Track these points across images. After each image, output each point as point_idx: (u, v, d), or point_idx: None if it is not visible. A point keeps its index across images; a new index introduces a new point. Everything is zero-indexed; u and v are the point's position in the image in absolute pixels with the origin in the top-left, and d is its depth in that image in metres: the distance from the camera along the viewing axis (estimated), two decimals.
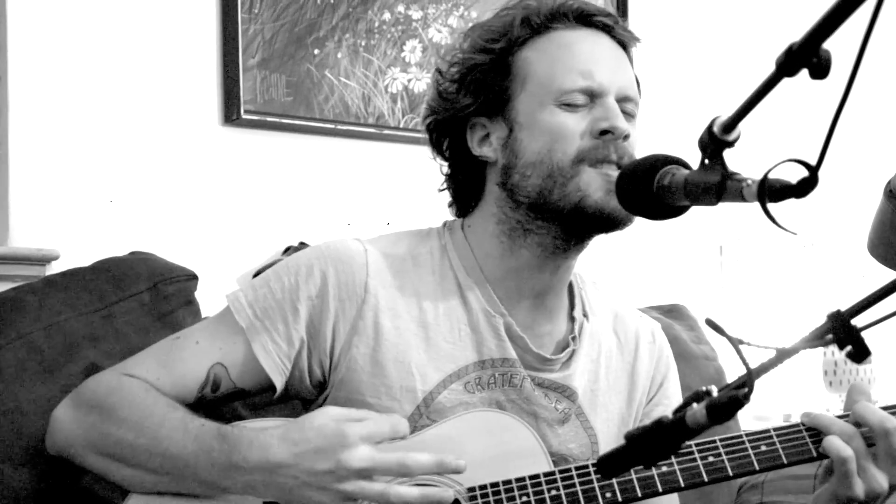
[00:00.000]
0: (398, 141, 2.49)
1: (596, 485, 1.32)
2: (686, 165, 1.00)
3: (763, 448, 1.36)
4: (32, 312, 1.63)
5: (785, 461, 1.36)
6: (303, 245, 2.14)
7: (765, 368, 0.77)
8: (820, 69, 0.70)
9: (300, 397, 1.46)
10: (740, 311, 2.95)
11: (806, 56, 0.70)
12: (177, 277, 1.79)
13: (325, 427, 1.24)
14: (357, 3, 2.44)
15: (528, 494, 1.32)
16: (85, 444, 1.34)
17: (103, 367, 1.50)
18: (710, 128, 0.83)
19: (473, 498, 1.32)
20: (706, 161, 0.86)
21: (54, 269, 1.96)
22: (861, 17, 0.67)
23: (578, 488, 1.32)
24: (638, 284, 2.72)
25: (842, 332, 0.75)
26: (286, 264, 1.42)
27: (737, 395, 0.75)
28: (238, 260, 2.17)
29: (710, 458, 1.34)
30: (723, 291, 3.02)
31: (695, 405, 0.78)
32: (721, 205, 0.86)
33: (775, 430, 1.38)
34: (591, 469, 1.33)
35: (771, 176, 0.78)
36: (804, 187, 0.75)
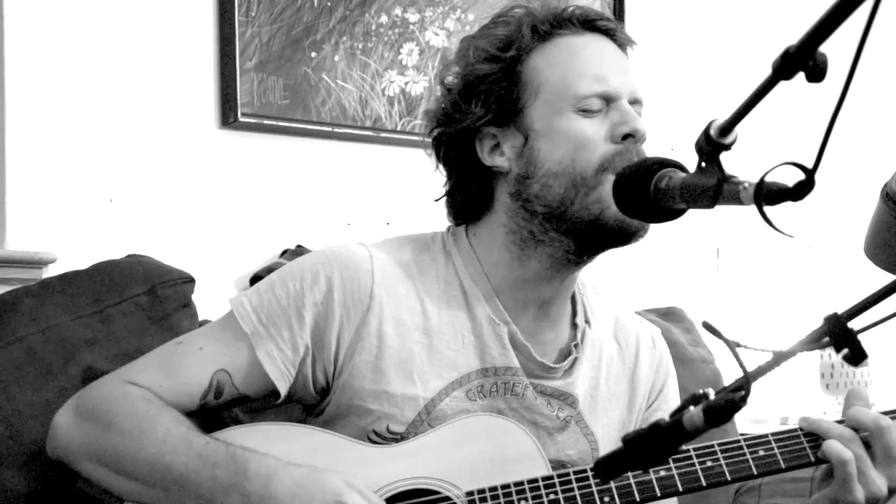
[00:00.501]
0: (395, 144, 2.49)
1: (594, 489, 1.32)
2: (683, 168, 1.01)
3: (761, 453, 1.36)
4: (29, 315, 1.63)
5: (783, 466, 1.36)
6: (300, 248, 2.14)
7: (762, 371, 0.77)
8: (816, 73, 0.70)
9: (302, 403, 1.45)
10: (737, 314, 2.95)
11: (802, 59, 0.70)
12: (174, 280, 1.79)
13: (329, 483, 1.25)
14: (354, 6, 2.44)
15: (526, 499, 1.32)
16: (85, 452, 1.34)
17: (100, 370, 1.50)
18: (706, 131, 0.83)
19: (472, 502, 1.32)
20: (703, 164, 0.86)
21: (51, 272, 1.96)
22: (857, 20, 0.67)
23: (577, 493, 1.32)
24: (635, 287, 2.72)
25: (839, 335, 0.75)
26: (291, 269, 1.41)
27: (734, 398, 0.75)
28: (235, 263, 2.17)
29: (709, 463, 1.34)
30: (719, 294, 3.02)
31: (692, 408, 0.78)
32: (718, 208, 0.86)
33: (773, 434, 1.38)
34: (590, 473, 1.33)
35: (768, 179, 0.78)
36: (801, 190, 0.76)
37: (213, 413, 1.41)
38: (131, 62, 2.17)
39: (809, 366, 2.91)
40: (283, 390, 1.37)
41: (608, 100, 1.36)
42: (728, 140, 0.82)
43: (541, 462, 1.36)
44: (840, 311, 0.76)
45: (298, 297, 1.37)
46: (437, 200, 1.49)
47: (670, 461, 1.34)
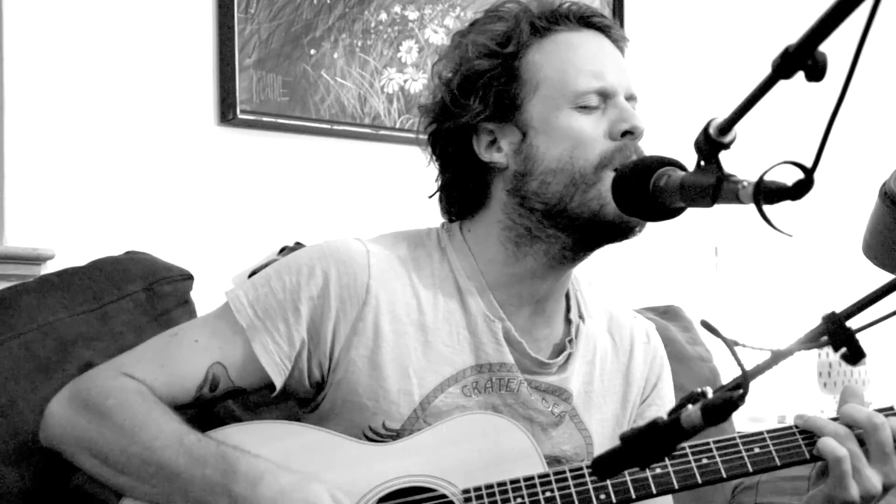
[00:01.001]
0: (394, 141, 2.49)
1: (590, 486, 1.32)
2: (682, 167, 1.01)
3: (756, 450, 1.36)
4: (27, 312, 1.63)
5: (778, 463, 1.36)
6: (298, 245, 2.14)
7: (760, 370, 0.77)
8: (816, 72, 0.70)
9: (297, 397, 1.45)
10: (735, 312, 2.95)
11: (802, 58, 0.70)
12: (172, 277, 1.79)
13: (312, 493, 1.24)
14: (353, 3, 2.44)
15: (522, 496, 1.32)
16: (77, 443, 1.34)
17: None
18: (705, 130, 0.83)
19: (468, 500, 1.32)
20: (702, 163, 0.86)
21: (49, 268, 1.96)
22: (857, 19, 0.67)
23: (573, 490, 1.32)
24: (633, 285, 2.72)
25: (836, 333, 0.75)
26: (287, 263, 1.41)
27: (731, 397, 0.76)
28: (234, 260, 2.16)
29: (704, 460, 1.34)
30: (718, 293, 3.02)
31: (690, 406, 0.78)
32: (716, 206, 0.86)
33: (769, 432, 1.38)
34: (586, 470, 1.33)
35: (767, 178, 0.78)
36: (800, 189, 0.76)
37: (209, 406, 1.41)
38: (130, 59, 2.17)
39: (807, 364, 2.91)
40: (279, 384, 1.37)
41: (606, 96, 1.36)
42: (727, 139, 0.82)
43: (537, 460, 1.36)
44: (838, 310, 0.76)
45: (295, 290, 1.37)
46: (430, 197, 1.49)
47: (666, 459, 1.34)
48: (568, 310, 1.50)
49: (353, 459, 1.34)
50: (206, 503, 1.26)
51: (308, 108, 2.36)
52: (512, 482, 1.33)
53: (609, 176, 1.30)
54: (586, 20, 1.41)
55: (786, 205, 0.77)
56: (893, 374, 2.99)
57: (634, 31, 2.75)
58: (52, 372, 1.58)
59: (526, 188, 1.37)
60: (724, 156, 0.84)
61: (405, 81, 2.51)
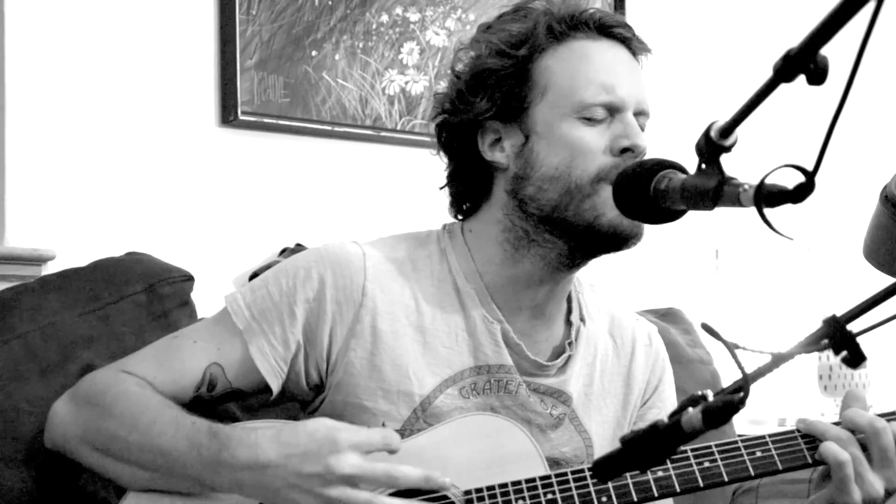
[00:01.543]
0: (395, 143, 2.49)
1: (592, 489, 1.32)
2: (683, 170, 1.01)
3: (758, 454, 1.36)
4: (28, 313, 1.63)
5: (780, 467, 1.36)
6: (299, 246, 2.14)
7: (760, 373, 0.77)
8: (817, 75, 0.70)
9: (297, 399, 1.46)
10: (736, 315, 2.95)
11: (803, 62, 0.70)
12: (173, 278, 1.79)
13: (316, 432, 1.23)
14: (355, 5, 2.44)
15: (524, 498, 1.32)
16: (81, 438, 1.35)
17: (99, 367, 1.50)
18: (707, 132, 0.83)
19: (470, 501, 1.32)
20: (703, 166, 0.86)
21: (50, 269, 1.96)
22: (859, 22, 0.67)
23: (574, 492, 1.32)
24: (634, 288, 2.72)
25: (837, 337, 0.75)
26: (284, 267, 1.41)
27: (732, 400, 0.75)
28: (234, 261, 2.17)
29: (706, 464, 1.34)
30: (718, 295, 3.02)
31: (690, 409, 0.78)
32: (717, 209, 0.86)
33: (771, 436, 1.38)
34: (588, 473, 1.33)
35: (768, 181, 0.78)
36: (801, 192, 0.76)
37: (208, 406, 1.41)
38: (132, 60, 2.17)
39: (808, 368, 2.91)
40: (275, 386, 1.38)
41: (613, 110, 1.35)
42: (728, 142, 0.82)
43: (538, 461, 1.37)
44: (839, 313, 0.76)
45: (290, 293, 1.38)
46: (441, 188, 1.49)
47: (668, 462, 1.34)
48: (569, 312, 1.50)
49: None
50: (207, 480, 1.26)
51: (309, 110, 2.36)
52: (513, 484, 1.33)
53: (606, 189, 1.30)
54: (606, 29, 1.39)
55: (787, 208, 0.77)
56: (894, 377, 2.99)
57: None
58: (52, 373, 1.58)
59: (524, 192, 1.37)
60: (725, 159, 0.84)
61: (406, 83, 2.51)
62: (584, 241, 1.35)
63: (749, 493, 2.03)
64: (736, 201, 0.82)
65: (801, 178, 0.75)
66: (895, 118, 3.37)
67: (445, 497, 1.33)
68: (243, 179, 2.30)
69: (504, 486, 1.33)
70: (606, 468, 0.84)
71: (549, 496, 1.32)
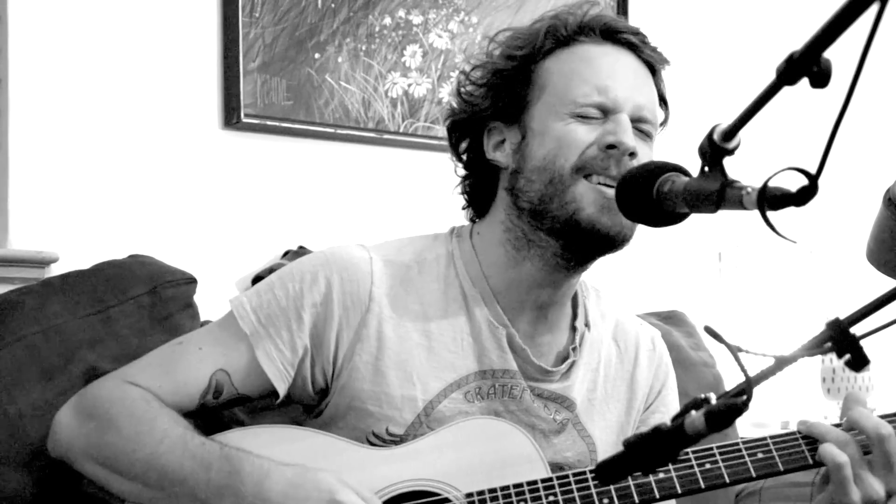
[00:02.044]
0: (398, 145, 2.49)
1: (593, 491, 1.32)
2: (686, 173, 1.00)
3: (760, 455, 1.36)
4: (31, 315, 1.63)
5: (781, 468, 1.36)
6: (302, 249, 2.14)
7: (763, 376, 0.77)
8: (820, 78, 0.70)
9: (302, 403, 1.46)
10: (739, 318, 2.95)
11: (806, 65, 0.70)
12: (176, 281, 1.79)
13: (322, 482, 1.25)
14: (358, 7, 2.45)
15: (525, 501, 1.32)
16: (84, 451, 1.34)
17: (102, 370, 1.50)
18: (709, 135, 0.83)
19: None
20: (706, 169, 0.86)
21: (53, 271, 1.96)
22: (862, 26, 0.67)
23: (576, 494, 1.32)
24: (637, 291, 2.72)
25: (840, 340, 0.75)
26: (290, 270, 1.41)
27: (735, 403, 0.75)
28: (237, 264, 2.17)
29: (707, 465, 1.34)
30: (721, 298, 3.02)
31: (693, 412, 0.77)
32: (720, 212, 0.86)
33: (772, 438, 1.38)
34: (589, 475, 1.33)
35: (771, 184, 0.78)
36: (804, 196, 0.75)
37: (213, 413, 1.41)
38: (135, 62, 2.17)
39: (811, 370, 2.91)
40: (282, 391, 1.38)
41: (607, 111, 1.35)
42: (731, 145, 0.82)
43: (540, 464, 1.37)
44: (842, 316, 0.76)
45: (297, 297, 1.37)
46: (454, 191, 1.51)
47: (669, 464, 1.34)
48: (574, 317, 1.50)
49: (358, 463, 1.34)
50: (211, 503, 1.26)
51: (312, 112, 2.36)
52: (515, 487, 1.33)
53: (583, 182, 1.32)
54: (612, 34, 1.40)
55: (790, 211, 0.77)
56: None
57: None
58: (55, 375, 1.58)
59: (517, 186, 1.39)
60: (728, 161, 0.84)
61: (409, 86, 2.51)
62: (570, 238, 1.35)
63: (752, 496, 2.03)
64: (739, 204, 0.81)
65: (804, 182, 0.75)
66: None
67: (447, 500, 1.33)
68: (246, 182, 2.30)
69: (505, 488, 1.33)
70: (608, 471, 0.84)
71: (551, 498, 1.32)
